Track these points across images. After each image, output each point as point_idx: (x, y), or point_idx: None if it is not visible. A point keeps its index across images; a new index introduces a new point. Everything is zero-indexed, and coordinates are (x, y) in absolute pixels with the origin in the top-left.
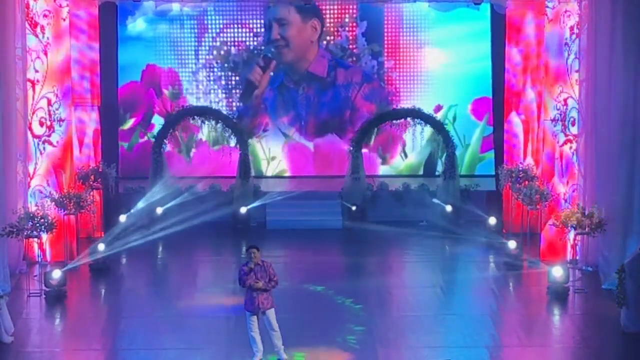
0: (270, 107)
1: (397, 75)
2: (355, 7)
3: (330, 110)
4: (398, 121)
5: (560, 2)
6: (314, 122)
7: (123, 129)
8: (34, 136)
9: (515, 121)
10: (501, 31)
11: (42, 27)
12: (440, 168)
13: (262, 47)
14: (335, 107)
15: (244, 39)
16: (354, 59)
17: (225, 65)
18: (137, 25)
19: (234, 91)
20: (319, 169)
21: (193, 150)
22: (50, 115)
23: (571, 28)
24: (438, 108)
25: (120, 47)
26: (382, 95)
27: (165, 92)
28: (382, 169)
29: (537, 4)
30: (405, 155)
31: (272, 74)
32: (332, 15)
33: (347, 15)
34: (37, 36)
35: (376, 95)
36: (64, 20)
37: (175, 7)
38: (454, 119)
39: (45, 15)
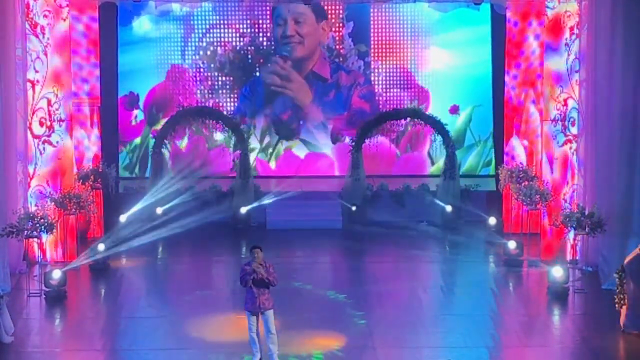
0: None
1: (384, 75)
2: (342, 7)
3: (332, 110)
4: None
5: (560, 3)
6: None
7: (156, 128)
8: (34, 136)
9: (518, 152)
10: (501, 32)
11: (42, 28)
12: (466, 168)
13: (250, 44)
14: (336, 107)
15: (230, 39)
16: (341, 59)
17: (212, 65)
18: (141, 25)
19: (220, 91)
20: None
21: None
22: (50, 115)
23: (571, 28)
24: (454, 109)
25: (127, 47)
26: (373, 96)
27: (197, 91)
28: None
29: (537, 4)
30: (431, 157)
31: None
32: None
33: (333, 16)
34: (37, 36)
35: (371, 95)
36: (64, 20)
37: (176, 7)
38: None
39: (45, 16)
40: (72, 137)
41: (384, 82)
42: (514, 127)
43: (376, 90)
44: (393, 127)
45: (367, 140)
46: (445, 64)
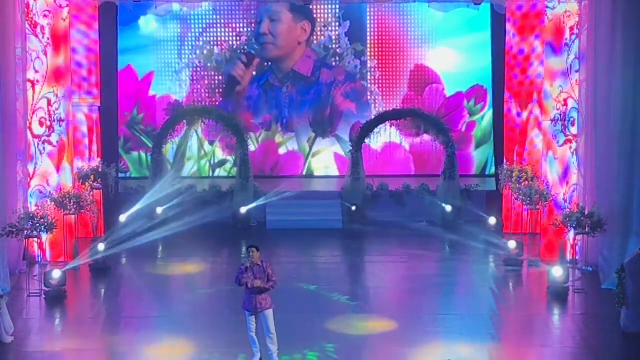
0: (254, 105)
1: (380, 74)
2: (338, 6)
3: (312, 108)
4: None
5: (560, 3)
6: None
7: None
8: (34, 136)
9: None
10: (501, 31)
11: (42, 28)
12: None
13: (247, 43)
14: (317, 105)
15: (226, 39)
16: (337, 58)
17: (209, 65)
18: (141, 25)
19: (217, 90)
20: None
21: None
22: (50, 115)
23: (571, 28)
24: None
25: (127, 47)
26: (362, 95)
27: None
28: None
29: (537, 5)
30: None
31: (254, 72)
32: (317, 15)
33: (330, 15)
34: (37, 36)
35: (357, 94)
36: (64, 20)
37: (176, 7)
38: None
39: (45, 16)
40: (71, 136)
41: (381, 81)
42: (514, 152)
43: (373, 90)
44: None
45: (415, 139)
46: (445, 64)
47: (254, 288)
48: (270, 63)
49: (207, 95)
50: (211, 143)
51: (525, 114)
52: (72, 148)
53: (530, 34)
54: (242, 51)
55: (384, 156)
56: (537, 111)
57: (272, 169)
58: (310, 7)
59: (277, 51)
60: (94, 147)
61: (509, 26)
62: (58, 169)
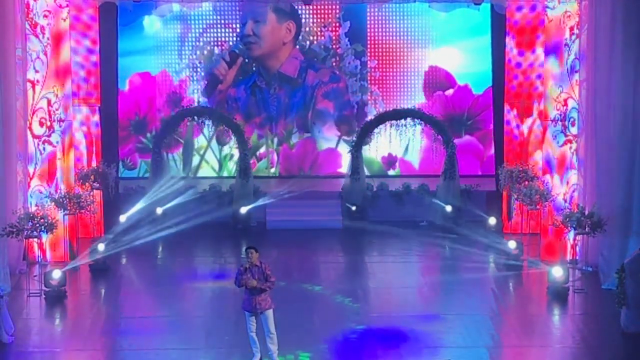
0: (242, 106)
1: (380, 75)
2: (338, 7)
3: (297, 110)
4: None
5: (560, 3)
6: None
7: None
8: (34, 136)
9: None
10: (501, 31)
11: (42, 28)
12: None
13: (232, 42)
14: (301, 106)
15: (227, 39)
16: (337, 59)
17: (209, 65)
18: (142, 25)
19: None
20: None
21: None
22: (50, 115)
23: (571, 28)
24: None
25: (128, 46)
26: (342, 95)
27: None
28: None
29: (537, 6)
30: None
31: (243, 73)
32: (316, 16)
33: (330, 16)
34: (37, 36)
35: (337, 94)
36: (64, 20)
37: (176, 7)
38: None
39: (45, 16)
40: (71, 137)
41: (381, 81)
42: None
43: (373, 90)
44: (478, 125)
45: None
46: (444, 64)
47: (253, 289)
48: (256, 65)
49: (197, 94)
50: (220, 142)
51: (527, 124)
52: (72, 149)
53: (531, 35)
54: (227, 50)
55: (434, 155)
56: (538, 122)
57: (310, 167)
58: (296, 7)
59: (261, 51)
60: (93, 148)
61: (508, 27)
62: (57, 169)
